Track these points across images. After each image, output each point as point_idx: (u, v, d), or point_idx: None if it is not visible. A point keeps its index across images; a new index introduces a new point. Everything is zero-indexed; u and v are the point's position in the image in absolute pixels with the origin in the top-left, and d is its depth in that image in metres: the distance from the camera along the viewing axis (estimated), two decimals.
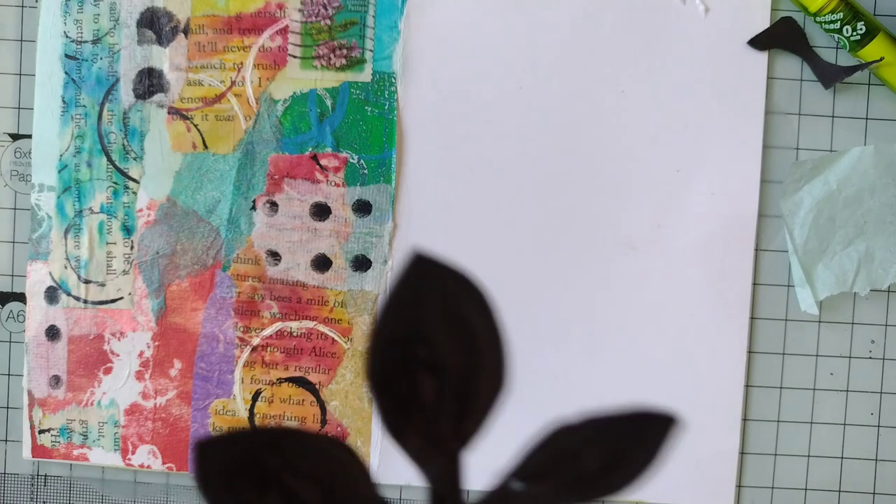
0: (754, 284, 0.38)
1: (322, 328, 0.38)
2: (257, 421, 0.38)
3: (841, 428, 0.39)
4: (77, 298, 0.38)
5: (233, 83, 0.37)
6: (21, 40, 0.38)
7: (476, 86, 0.37)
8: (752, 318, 0.38)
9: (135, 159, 0.37)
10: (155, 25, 0.37)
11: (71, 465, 0.39)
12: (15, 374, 0.39)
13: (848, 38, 0.36)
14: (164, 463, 0.38)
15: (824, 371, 0.38)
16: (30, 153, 0.38)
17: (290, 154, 0.37)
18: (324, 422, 0.38)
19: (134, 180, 0.37)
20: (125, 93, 0.37)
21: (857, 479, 0.39)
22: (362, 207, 0.38)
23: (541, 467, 0.22)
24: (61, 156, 0.37)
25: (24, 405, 0.38)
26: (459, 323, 0.20)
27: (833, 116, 0.38)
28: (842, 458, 0.39)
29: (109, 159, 0.37)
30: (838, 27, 0.36)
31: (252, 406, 0.38)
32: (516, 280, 0.38)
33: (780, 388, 0.38)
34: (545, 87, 0.37)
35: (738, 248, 0.38)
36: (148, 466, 0.38)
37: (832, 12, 0.36)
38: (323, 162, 0.38)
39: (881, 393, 0.39)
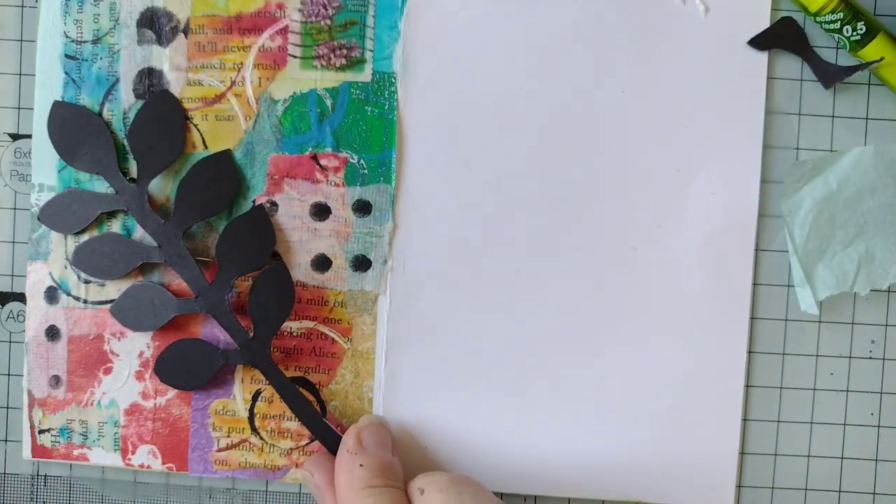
0: (754, 284, 0.38)
1: (322, 328, 0.38)
2: (257, 422, 0.38)
3: (841, 428, 0.39)
4: (77, 298, 0.38)
5: (233, 83, 0.37)
6: (21, 40, 0.38)
7: (476, 86, 0.37)
8: (752, 318, 0.38)
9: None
10: (155, 25, 0.37)
11: (71, 465, 0.39)
12: (15, 374, 0.39)
13: (848, 38, 0.36)
14: (164, 463, 0.38)
15: (824, 371, 0.38)
16: (30, 153, 0.38)
17: (290, 154, 0.37)
18: None
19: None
20: (125, 93, 0.37)
21: (857, 479, 0.39)
22: (362, 207, 0.38)
23: None
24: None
25: (24, 405, 0.38)
26: None
27: (833, 116, 0.38)
28: (842, 458, 0.39)
29: None
30: (838, 27, 0.36)
31: (252, 406, 0.38)
32: (515, 280, 0.38)
33: (780, 388, 0.38)
34: (545, 87, 0.37)
35: (738, 248, 0.38)
36: (148, 466, 0.38)
37: (832, 12, 0.36)
38: (323, 162, 0.38)
39: (881, 393, 0.39)
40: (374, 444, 0.35)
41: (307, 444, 0.38)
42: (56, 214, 0.37)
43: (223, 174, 0.37)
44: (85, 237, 0.37)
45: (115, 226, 0.37)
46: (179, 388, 0.37)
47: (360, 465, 0.33)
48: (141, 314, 0.37)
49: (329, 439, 0.36)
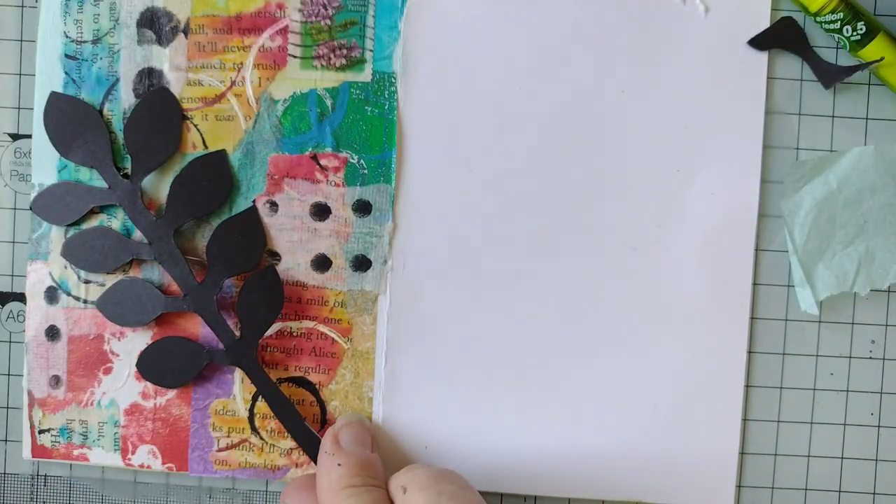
0: (754, 284, 0.38)
1: (322, 328, 0.38)
2: (257, 422, 0.38)
3: (841, 428, 0.39)
4: (77, 298, 0.38)
5: (233, 83, 0.37)
6: (21, 40, 0.38)
7: (476, 86, 0.37)
8: (752, 318, 0.38)
9: None
10: (155, 25, 0.37)
11: (71, 465, 0.39)
12: (15, 374, 0.39)
13: (848, 38, 0.36)
14: (164, 463, 0.38)
15: (824, 371, 0.38)
16: (30, 153, 0.38)
17: (290, 154, 0.38)
18: (324, 422, 0.38)
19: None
20: (125, 93, 0.37)
21: (857, 479, 0.39)
22: (362, 207, 0.38)
23: None
24: (62, 157, 0.37)
25: (24, 405, 0.38)
26: None
27: (833, 116, 0.38)
28: (842, 458, 0.39)
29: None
30: (838, 27, 0.36)
31: (252, 406, 0.38)
32: (515, 280, 0.38)
33: (780, 388, 0.38)
34: (545, 87, 0.37)
35: (738, 248, 0.38)
36: (148, 466, 0.38)
37: (832, 12, 0.36)
38: (323, 162, 0.38)
39: (881, 393, 0.39)
40: (352, 442, 0.34)
41: None
42: (48, 205, 0.37)
43: (217, 174, 0.37)
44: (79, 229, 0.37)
45: (116, 224, 0.37)
46: (161, 385, 0.37)
47: (339, 465, 0.33)
48: (126, 309, 0.37)
49: (311, 446, 0.36)
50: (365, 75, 0.37)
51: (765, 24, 0.37)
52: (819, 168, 0.37)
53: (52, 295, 0.38)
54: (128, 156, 0.37)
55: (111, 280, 0.37)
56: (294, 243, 0.38)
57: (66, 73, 0.37)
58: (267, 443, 0.38)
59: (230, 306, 0.37)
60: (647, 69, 0.37)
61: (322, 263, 0.38)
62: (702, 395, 0.38)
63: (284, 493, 0.35)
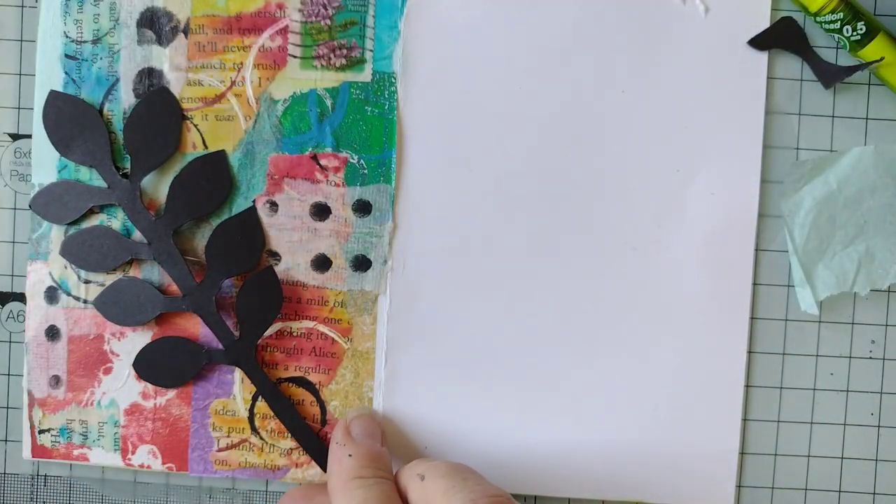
0: (754, 284, 0.38)
1: (322, 328, 0.38)
2: (257, 422, 0.38)
3: (841, 428, 0.39)
4: (77, 298, 0.38)
5: (233, 83, 0.37)
6: (21, 40, 0.38)
7: (476, 86, 0.37)
8: (752, 318, 0.38)
9: None
10: (155, 25, 0.37)
11: (71, 465, 0.39)
12: (15, 374, 0.39)
13: (848, 38, 0.36)
14: (164, 463, 0.38)
15: (824, 371, 0.38)
16: (30, 153, 0.38)
17: (290, 154, 0.37)
18: (324, 422, 0.38)
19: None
20: (125, 93, 0.37)
21: (857, 479, 0.39)
22: (362, 207, 0.38)
23: None
24: (61, 156, 0.37)
25: (24, 405, 0.38)
26: None
27: (833, 116, 0.38)
28: (842, 458, 0.39)
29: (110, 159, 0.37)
30: (838, 27, 0.36)
31: (252, 406, 0.38)
32: (515, 280, 0.38)
33: (780, 388, 0.38)
34: (545, 87, 0.37)
35: (738, 248, 0.38)
36: (148, 466, 0.38)
37: (832, 12, 0.36)
38: (323, 162, 0.38)
39: (881, 393, 0.39)
40: (363, 434, 0.35)
41: None
42: (48, 204, 0.37)
43: (217, 174, 0.37)
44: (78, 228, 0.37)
45: (116, 224, 0.37)
46: (159, 385, 0.37)
47: (349, 455, 0.33)
48: (125, 309, 0.37)
49: (311, 445, 0.36)
50: (365, 75, 0.37)
51: (765, 24, 0.37)
52: (819, 168, 0.37)
53: (52, 295, 0.38)
54: (127, 155, 0.37)
55: (111, 280, 0.37)
56: (294, 243, 0.38)
57: (66, 73, 0.37)
58: (267, 443, 0.38)
59: (230, 306, 0.37)
60: (647, 69, 0.37)
61: (322, 263, 0.38)
62: (702, 395, 0.38)
63: (281, 502, 0.35)
